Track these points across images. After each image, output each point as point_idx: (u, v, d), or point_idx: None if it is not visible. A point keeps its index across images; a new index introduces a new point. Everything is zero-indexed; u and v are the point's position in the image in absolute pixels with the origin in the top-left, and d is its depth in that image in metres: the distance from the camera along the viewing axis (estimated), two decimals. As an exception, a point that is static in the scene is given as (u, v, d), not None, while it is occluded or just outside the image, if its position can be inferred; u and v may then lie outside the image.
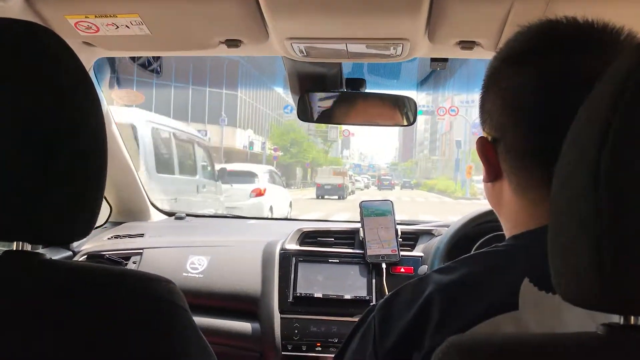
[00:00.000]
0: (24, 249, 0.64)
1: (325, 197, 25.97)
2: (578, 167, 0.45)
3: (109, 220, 2.12)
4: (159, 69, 1.93)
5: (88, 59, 1.45)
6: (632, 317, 0.46)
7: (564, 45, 0.63)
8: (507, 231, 0.72)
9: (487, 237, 1.63)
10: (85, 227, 0.64)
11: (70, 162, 0.60)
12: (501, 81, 0.68)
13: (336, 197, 25.98)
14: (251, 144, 35.07)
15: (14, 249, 0.64)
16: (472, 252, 1.58)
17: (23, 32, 0.60)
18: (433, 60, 1.41)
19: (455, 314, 0.61)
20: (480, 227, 1.60)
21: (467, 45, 1.24)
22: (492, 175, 0.70)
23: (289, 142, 39.53)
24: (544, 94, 0.63)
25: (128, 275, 0.67)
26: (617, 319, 0.46)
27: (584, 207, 0.43)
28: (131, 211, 2.13)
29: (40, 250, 1.46)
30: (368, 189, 42.48)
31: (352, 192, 32.47)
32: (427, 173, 59.38)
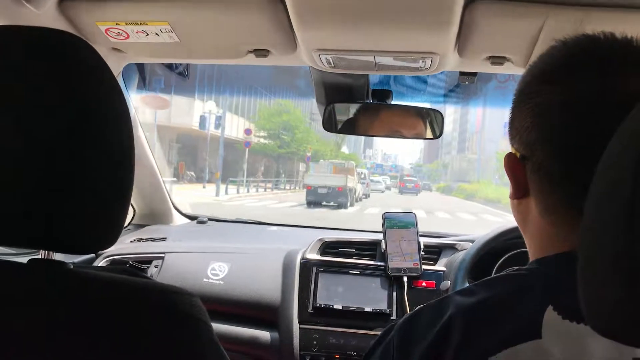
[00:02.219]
0: (50, 257, 0.65)
1: (323, 203, 20.24)
2: (612, 199, 0.43)
3: (132, 222, 2.14)
4: (185, 72, 1.94)
5: (117, 64, 1.47)
6: None
7: (600, 63, 0.61)
8: (531, 252, 0.70)
9: (512, 253, 1.60)
10: (111, 236, 0.65)
11: (98, 172, 0.60)
12: (532, 98, 0.66)
13: (335, 205, 20.19)
14: (218, 123, 25.02)
15: (40, 257, 0.64)
16: (495, 272, 1.57)
17: (57, 42, 0.61)
18: (462, 74, 1.39)
19: (476, 339, 0.60)
20: (505, 243, 1.58)
21: (497, 60, 1.22)
22: (519, 192, 0.69)
23: (279, 126, 31.56)
24: (576, 114, 0.60)
25: (151, 289, 0.67)
26: None
27: (617, 240, 0.42)
28: (154, 214, 2.15)
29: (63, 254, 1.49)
30: (389, 190, 36.30)
31: (365, 196, 26.32)
32: (462, 175, 49.54)
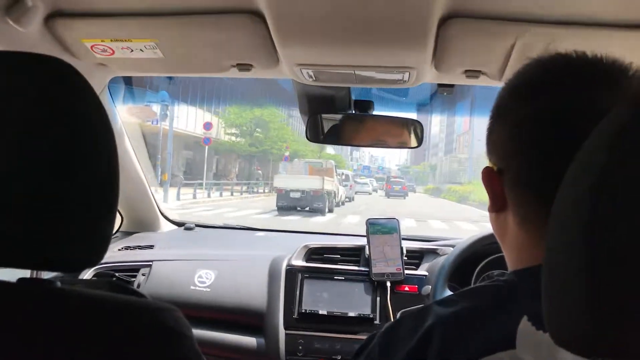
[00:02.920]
0: (39, 275, 0.66)
1: (298, 209, 17.48)
2: (574, 213, 0.45)
3: (120, 230, 2.15)
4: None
5: (102, 78, 1.49)
6: None
7: (572, 79, 0.63)
8: (509, 263, 0.72)
9: (491, 257, 1.65)
10: (99, 253, 0.66)
11: (85, 190, 0.62)
12: (509, 113, 0.68)
13: (310, 211, 17.46)
14: (165, 114, 18.18)
15: (29, 276, 0.66)
16: (475, 276, 1.61)
17: (41, 66, 0.63)
18: (440, 86, 1.43)
19: (453, 348, 0.62)
20: (485, 248, 1.62)
21: (472, 74, 1.25)
22: (497, 205, 0.70)
23: (251, 122, 28.10)
24: (550, 129, 0.62)
25: (136, 306, 0.69)
26: None
27: (579, 253, 0.43)
28: (142, 221, 2.16)
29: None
30: (376, 192, 33.98)
31: (349, 199, 23.78)
32: (451, 176, 47.60)
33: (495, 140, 0.70)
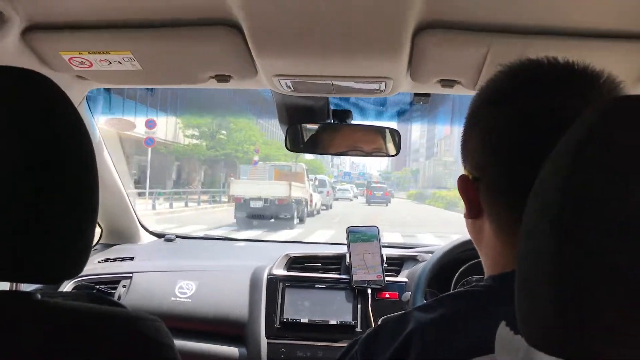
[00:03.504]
0: (18, 288, 0.66)
1: (262, 219, 14.50)
2: (542, 218, 0.46)
3: (100, 242, 2.14)
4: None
5: (81, 90, 1.48)
6: None
7: (544, 86, 0.64)
8: (486, 268, 0.73)
9: (470, 263, 1.67)
10: (79, 264, 0.66)
11: (63, 203, 0.62)
12: (482, 121, 0.68)
13: (277, 222, 14.51)
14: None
15: (8, 289, 0.66)
16: (454, 281, 1.63)
17: (18, 79, 0.63)
18: (416, 95, 1.45)
19: (433, 353, 0.62)
20: (463, 254, 1.64)
21: (447, 83, 1.27)
22: (473, 213, 0.71)
23: (212, 122, 25.41)
24: (522, 136, 0.63)
25: (117, 316, 0.69)
26: None
27: (548, 258, 0.45)
28: (121, 233, 2.15)
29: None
30: (357, 199, 32.29)
31: (327, 207, 21.53)
32: (436, 181, 44.48)
33: (469, 148, 0.71)
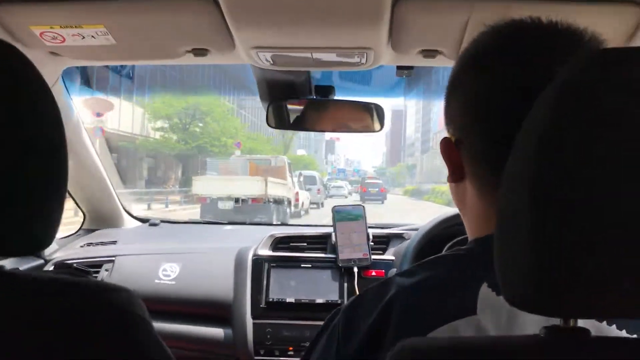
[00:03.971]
0: None
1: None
2: (520, 177, 0.46)
3: (82, 227, 2.12)
4: (130, 74, 1.93)
5: (55, 68, 1.45)
6: (571, 320, 0.48)
7: (527, 47, 0.63)
8: (470, 232, 0.73)
9: (458, 239, 1.65)
10: (46, 238, 0.64)
11: (29, 175, 0.60)
12: (464, 84, 0.68)
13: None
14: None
15: None
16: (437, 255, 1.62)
17: None
18: (399, 68, 1.43)
19: (415, 317, 0.62)
20: (449, 230, 1.63)
21: (429, 53, 1.26)
22: (456, 176, 0.71)
23: (185, 113, 22.23)
24: (503, 99, 0.62)
25: (85, 286, 0.67)
26: (560, 321, 0.49)
27: (525, 217, 0.45)
28: (104, 218, 2.13)
29: (9, 260, 1.47)
30: (351, 196, 30.80)
31: (317, 205, 19.63)
32: (434, 175, 40.84)
33: (451, 111, 0.70)
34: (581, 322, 0.49)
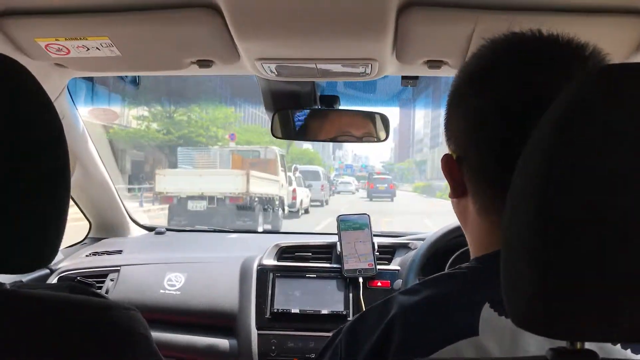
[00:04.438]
0: None
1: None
2: (526, 197, 0.45)
3: (88, 236, 2.12)
4: (136, 81, 1.93)
5: (60, 79, 1.45)
6: (578, 343, 0.47)
7: (527, 62, 0.62)
8: (472, 249, 0.72)
9: (464, 249, 1.64)
10: (48, 254, 0.64)
11: (31, 191, 0.60)
12: (465, 100, 0.67)
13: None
14: None
15: None
16: (447, 268, 1.61)
17: None
18: (404, 78, 1.42)
19: (416, 337, 0.61)
20: (455, 240, 1.62)
21: (434, 64, 1.25)
22: (458, 192, 0.70)
23: (169, 100, 19.81)
24: (506, 116, 0.62)
25: (87, 305, 0.66)
26: (567, 344, 0.48)
27: (531, 237, 0.44)
28: (110, 227, 2.13)
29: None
30: (357, 192, 29.70)
31: (322, 203, 18.35)
32: None
33: (452, 128, 0.70)
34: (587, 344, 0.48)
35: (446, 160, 0.70)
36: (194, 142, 19.96)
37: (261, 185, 11.39)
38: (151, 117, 20.00)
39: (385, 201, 23.47)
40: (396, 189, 27.93)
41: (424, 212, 16.71)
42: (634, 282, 0.42)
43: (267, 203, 11.65)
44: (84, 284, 1.50)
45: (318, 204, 18.12)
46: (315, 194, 18.24)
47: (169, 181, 10.85)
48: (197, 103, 20.80)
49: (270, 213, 11.68)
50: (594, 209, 0.42)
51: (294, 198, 14.34)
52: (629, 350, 0.57)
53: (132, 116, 20.05)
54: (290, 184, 14.27)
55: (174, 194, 10.50)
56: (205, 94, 21.72)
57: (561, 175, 0.43)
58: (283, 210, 12.81)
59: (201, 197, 10.40)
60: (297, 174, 16.36)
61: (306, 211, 15.61)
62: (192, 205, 10.35)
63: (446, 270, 0.73)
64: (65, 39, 1.17)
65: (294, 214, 13.97)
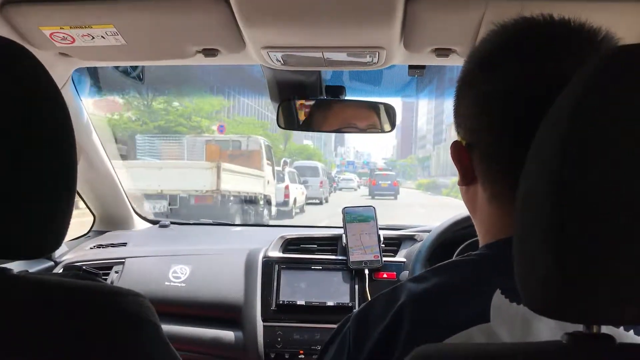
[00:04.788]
0: None
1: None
2: (540, 179, 0.45)
3: (93, 229, 2.12)
4: (141, 76, 1.92)
5: (65, 69, 1.45)
6: (595, 327, 0.47)
7: (538, 47, 0.62)
8: (481, 237, 0.71)
9: (470, 241, 1.63)
10: (54, 241, 0.64)
11: (38, 177, 0.60)
12: (475, 85, 0.66)
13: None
14: None
15: None
16: (449, 259, 1.60)
17: None
18: (411, 67, 1.41)
19: (426, 325, 0.61)
20: (462, 231, 1.61)
21: (442, 52, 1.24)
22: (467, 179, 0.70)
23: (146, 88, 16.36)
24: (517, 101, 0.61)
25: (95, 291, 0.65)
26: (582, 327, 0.47)
27: (546, 219, 0.44)
28: (115, 220, 2.12)
29: (18, 262, 1.47)
30: (359, 189, 29.30)
31: (321, 201, 17.43)
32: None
33: (462, 114, 0.69)
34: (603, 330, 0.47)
35: (455, 147, 0.69)
36: (172, 132, 16.89)
37: (238, 181, 9.40)
38: (126, 106, 17.45)
39: (388, 199, 22.41)
40: (399, 186, 26.37)
41: (431, 212, 15.63)
42: None
43: (248, 203, 9.76)
44: (90, 273, 1.50)
45: (317, 201, 17.08)
46: (314, 191, 17.15)
47: (121, 175, 8.77)
48: (180, 90, 18.34)
49: (252, 215, 9.91)
50: (612, 188, 0.41)
51: (287, 196, 12.88)
52: (631, 332, 0.57)
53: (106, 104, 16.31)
54: (282, 180, 12.79)
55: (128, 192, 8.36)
56: (190, 81, 19.16)
57: (577, 158, 0.42)
58: (269, 211, 11.08)
59: (160, 196, 8.43)
60: (289, 168, 14.57)
61: (301, 210, 14.25)
62: (149, 206, 7.26)
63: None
64: (70, 28, 1.16)
65: (286, 213, 12.51)
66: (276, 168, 12.54)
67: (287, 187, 12.92)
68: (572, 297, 0.43)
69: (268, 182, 11.10)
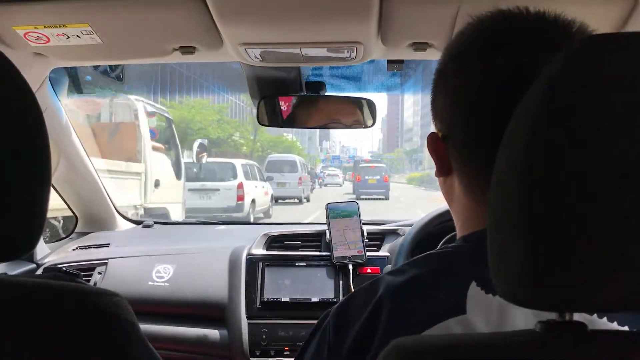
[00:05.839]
0: None
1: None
2: (511, 169, 0.45)
3: (75, 230, 2.10)
4: (121, 76, 1.90)
5: (41, 70, 1.43)
6: (567, 314, 0.47)
7: (512, 40, 0.62)
8: (458, 229, 0.72)
9: (452, 234, 1.64)
10: (28, 242, 0.63)
11: (10, 179, 0.59)
12: (449, 78, 0.67)
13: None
14: None
15: None
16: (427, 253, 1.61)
17: None
18: (389, 62, 1.41)
19: (404, 317, 0.61)
20: (445, 224, 1.61)
21: (420, 46, 1.24)
22: (443, 171, 0.70)
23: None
24: (491, 95, 0.62)
25: (70, 291, 0.65)
26: (556, 316, 0.48)
27: (517, 209, 0.44)
28: (97, 221, 2.10)
29: (0, 265, 1.45)
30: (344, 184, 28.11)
31: (301, 200, 15.74)
32: None
33: (439, 107, 0.70)
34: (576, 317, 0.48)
35: (432, 138, 0.70)
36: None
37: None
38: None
39: (377, 199, 18.60)
40: (389, 182, 22.14)
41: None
42: (624, 249, 0.42)
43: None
44: (69, 274, 1.48)
45: (295, 201, 15.13)
46: (291, 189, 15.23)
47: None
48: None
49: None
50: (581, 177, 0.42)
51: (240, 198, 10.19)
52: (615, 323, 0.57)
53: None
54: (198, 176, 9.88)
55: None
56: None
57: (547, 148, 0.43)
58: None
59: None
60: (246, 161, 11.69)
61: (266, 214, 11.79)
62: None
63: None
64: (45, 27, 1.15)
65: (244, 218, 10.04)
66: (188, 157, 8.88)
67: (240, 186, 10.20)
68: (545, 286, 0.43)
69: (157, 182, 6.84)
